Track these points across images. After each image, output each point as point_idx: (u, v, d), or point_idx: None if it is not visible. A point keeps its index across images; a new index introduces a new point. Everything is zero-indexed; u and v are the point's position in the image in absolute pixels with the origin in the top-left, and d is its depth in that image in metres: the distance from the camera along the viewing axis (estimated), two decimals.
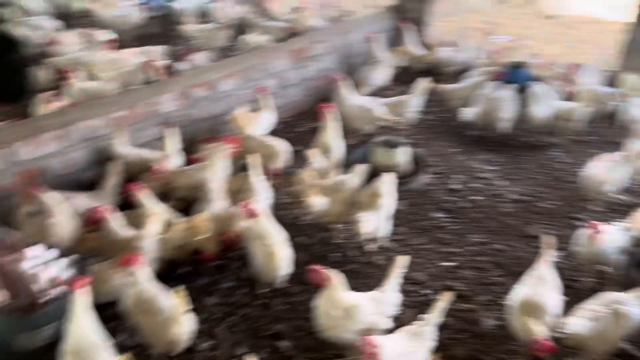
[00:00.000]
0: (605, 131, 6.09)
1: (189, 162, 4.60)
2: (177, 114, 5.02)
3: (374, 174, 4.18)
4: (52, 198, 3.59)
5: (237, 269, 3.90)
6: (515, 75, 6.14)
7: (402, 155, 5.01)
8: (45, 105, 5.11)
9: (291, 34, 7.68)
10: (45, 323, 2.88)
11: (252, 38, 7.58)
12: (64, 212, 3.59)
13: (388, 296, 3.16)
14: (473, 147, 5.84)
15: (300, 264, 3.68)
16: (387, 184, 4.02)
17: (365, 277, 3.80)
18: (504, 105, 5.76)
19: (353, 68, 6.96)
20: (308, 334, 3.35)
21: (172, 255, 3.65)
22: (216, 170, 4.18)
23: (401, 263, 3.24)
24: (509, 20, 10.79)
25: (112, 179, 4.09)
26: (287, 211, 4.48)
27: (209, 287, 3.74)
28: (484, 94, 5.95)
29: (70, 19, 8.86)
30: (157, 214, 3.59)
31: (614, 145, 5.26)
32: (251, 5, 9.42)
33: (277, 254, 3.47)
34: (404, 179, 4.67)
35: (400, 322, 3.16)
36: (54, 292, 2.89)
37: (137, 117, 4.71)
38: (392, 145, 5.01)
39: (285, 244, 3.62)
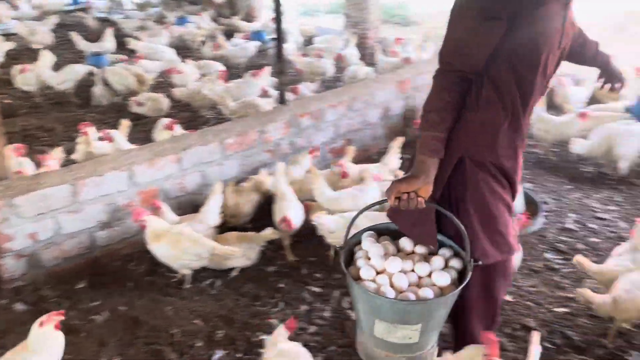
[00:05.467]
0: None
1: None
2: (284, 142, 5.21)
3: None
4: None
5: None
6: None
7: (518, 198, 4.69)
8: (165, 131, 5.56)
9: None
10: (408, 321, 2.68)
11: (359, 69, 7.72)
12: None
13: None
14: (588, 184, 5.46)
15: None
16: None
17: None
18: (626, 141, 5.33)
19: None
20: None
21: None
22: None
23: None
24: None
25: None
26: None
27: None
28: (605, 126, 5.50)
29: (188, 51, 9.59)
30: None
31: None
32: (355, 37, 9.57)
33: None
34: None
35: None
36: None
37: (249, 144, 4.93)
38: None
39: None
